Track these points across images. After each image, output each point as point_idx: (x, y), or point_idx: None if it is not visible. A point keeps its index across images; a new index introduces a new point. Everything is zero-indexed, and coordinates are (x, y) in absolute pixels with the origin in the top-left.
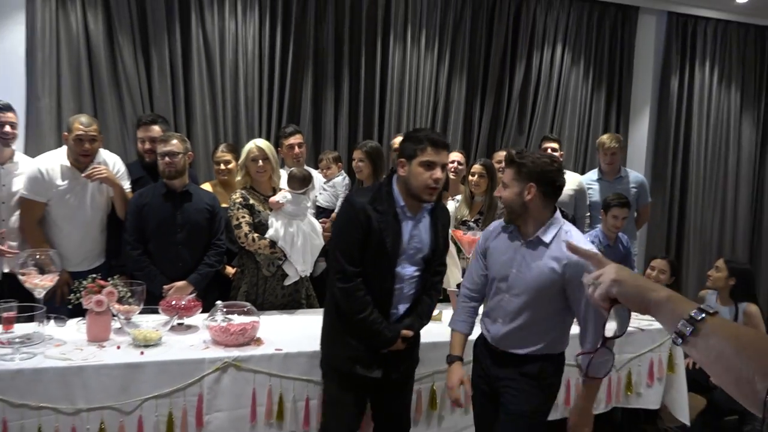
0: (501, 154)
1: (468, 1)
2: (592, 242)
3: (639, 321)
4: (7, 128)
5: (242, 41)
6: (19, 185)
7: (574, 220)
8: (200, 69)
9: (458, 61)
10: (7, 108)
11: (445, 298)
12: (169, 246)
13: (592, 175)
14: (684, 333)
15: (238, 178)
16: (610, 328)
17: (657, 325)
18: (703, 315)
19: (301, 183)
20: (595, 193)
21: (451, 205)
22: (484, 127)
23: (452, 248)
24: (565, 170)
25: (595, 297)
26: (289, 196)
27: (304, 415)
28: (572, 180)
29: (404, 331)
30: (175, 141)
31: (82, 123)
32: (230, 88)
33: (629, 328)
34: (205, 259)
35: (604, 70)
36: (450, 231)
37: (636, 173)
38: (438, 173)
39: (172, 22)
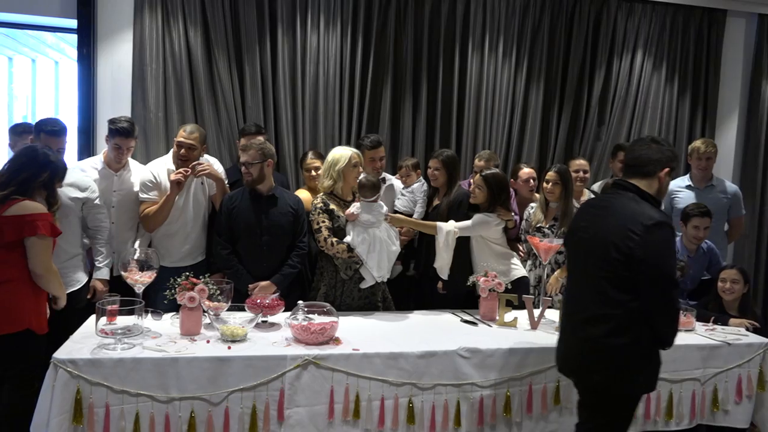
0: (577, 162)
1: (546, 8)
2: None
3: (726, 335)
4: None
5: (324, 54)
6: (136, 188)
7: None
8: (284, 81)
9: (536, 69)
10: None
11: (520, 305)
12: (255, 247)
13: (681, 182)
14: None
15: (328, 182)
16: None
17: (745, 339)
18: None
19: (371, 191)
20: (682, 201)
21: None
22: (561, 134)
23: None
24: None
25: None
26: (360, 206)
27: (380, 415)
28: None
29: None
30: (251, 152)
31: (184, 130)
32: (310, 99)
33: (715, 342)
34: (288, 260)
35: (689, 76)
36: (526, 237)
37: (730, 183)
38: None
39: (263, 37)
